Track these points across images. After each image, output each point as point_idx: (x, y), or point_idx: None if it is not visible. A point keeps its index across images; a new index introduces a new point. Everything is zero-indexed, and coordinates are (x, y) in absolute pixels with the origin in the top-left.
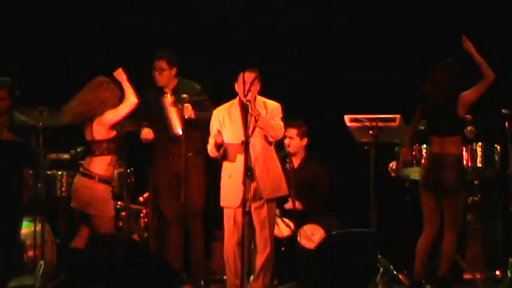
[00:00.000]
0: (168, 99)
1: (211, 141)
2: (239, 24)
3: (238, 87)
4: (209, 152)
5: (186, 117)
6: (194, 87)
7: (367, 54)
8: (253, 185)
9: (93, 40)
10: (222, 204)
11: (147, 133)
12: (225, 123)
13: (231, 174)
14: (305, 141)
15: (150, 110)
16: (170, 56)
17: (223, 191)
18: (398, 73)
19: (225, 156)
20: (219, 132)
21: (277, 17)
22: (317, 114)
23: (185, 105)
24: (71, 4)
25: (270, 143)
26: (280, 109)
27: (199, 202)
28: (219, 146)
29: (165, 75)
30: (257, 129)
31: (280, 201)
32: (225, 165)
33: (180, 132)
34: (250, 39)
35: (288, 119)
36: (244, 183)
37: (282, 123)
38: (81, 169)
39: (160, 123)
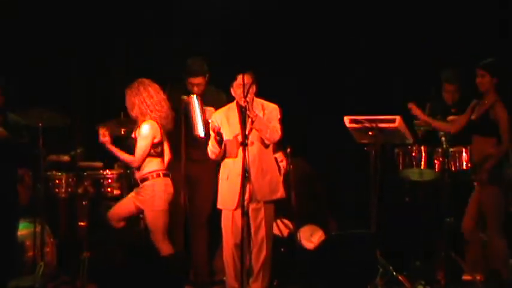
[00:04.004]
0: (195, 100)
1: (211, 142)
2: (240, 24)
3: (234, 90)
4: (210, 152)
5: (208, 121)
6: (220, 97)
7: (368, 54)
8: (250, 187)
9: (95, 41)
10: (219, 206)
11: None
12: (222, 125)
13: (228, 175)
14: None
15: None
16: (208, 71)
17: (220, 193)
18: (398, 73)
19: (224, 155)
20: (213, 123)
21: (274, 16)
22: (317, 115)
23: (208, 108)
24: (72, 4)
25: (267, 146)
26: (278, 111)
27: (208, 206)
28: (219, 141)
29: (202, 89)
30: (254, 131)
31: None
32: (223, 166)
33: (202, 135)
34: (247, 40)
35: (288, 119)
36: (242, 184)
37: (278, 126)
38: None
39: (177, 126)
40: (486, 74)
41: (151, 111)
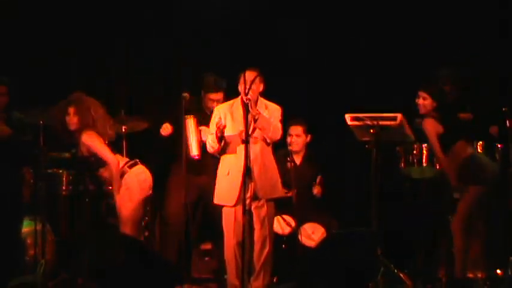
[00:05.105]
0: (190, 122)
1: (211, 137)
2: (240, 24)
3: (240, 87)
4: (209, 147)
5: (203, 139)
6: None
7: (368, 54)
8: (252, 184)
9: (95, 41)
10: (216, 201)
11: (165, 128)
12: (226, 120)
13: (229, 171)
14: (309, 138)
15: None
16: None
17: (218, 188)
18: (398, 73)
19: (223, 151)
20: (220, 120)
21: (278, 17)
22: (318, 113)
23: (203, 128)
24: (72, 4)
25: (268, 144)
26: (280, 112)
27: None
28: (220, 138)
29: (219, 103)
30: (256, 129)
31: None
32: (223, 162)
33: (195, 153)
34: (251, 39)
35: (289, 118)
36: (244, 182)
37: (280, 125)
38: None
39: (175, 129)
40: (428, 97)
41: (94, 125)
